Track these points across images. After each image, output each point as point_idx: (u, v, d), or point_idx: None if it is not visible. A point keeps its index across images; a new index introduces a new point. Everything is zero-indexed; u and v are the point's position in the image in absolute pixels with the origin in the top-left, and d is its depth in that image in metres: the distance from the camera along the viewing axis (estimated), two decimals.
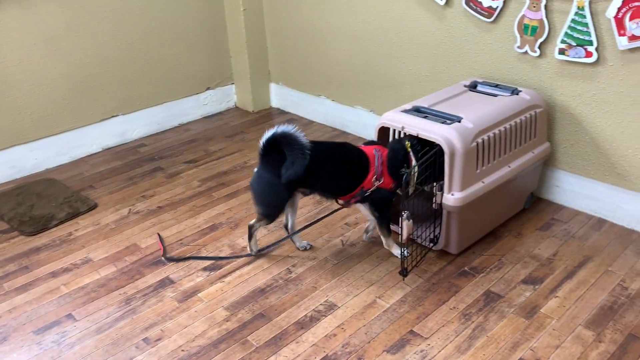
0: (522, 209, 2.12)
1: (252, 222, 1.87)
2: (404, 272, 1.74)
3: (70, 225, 2.18)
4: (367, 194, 1.74)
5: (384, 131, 1.92)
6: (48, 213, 2.23)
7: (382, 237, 1.86)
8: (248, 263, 1.91)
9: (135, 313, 1.71)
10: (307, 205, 2.24)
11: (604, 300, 1.67)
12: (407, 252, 1.74)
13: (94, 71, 2.69)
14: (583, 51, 1.89)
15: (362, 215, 2.15)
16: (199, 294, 1.77)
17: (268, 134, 1.68)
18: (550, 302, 1.67)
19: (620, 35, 1.78)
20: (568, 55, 1.93)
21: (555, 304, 1.66)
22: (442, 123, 1.76)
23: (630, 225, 1.99)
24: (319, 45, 2.83)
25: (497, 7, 2.05)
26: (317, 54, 2.86)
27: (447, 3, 2.22)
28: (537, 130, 1.98)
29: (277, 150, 1.68)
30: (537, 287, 1.74)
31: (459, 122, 1.77)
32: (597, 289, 1.72)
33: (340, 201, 1.83)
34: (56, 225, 2.17)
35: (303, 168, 1.66)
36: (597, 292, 1.71)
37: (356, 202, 1.79)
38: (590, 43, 1.86)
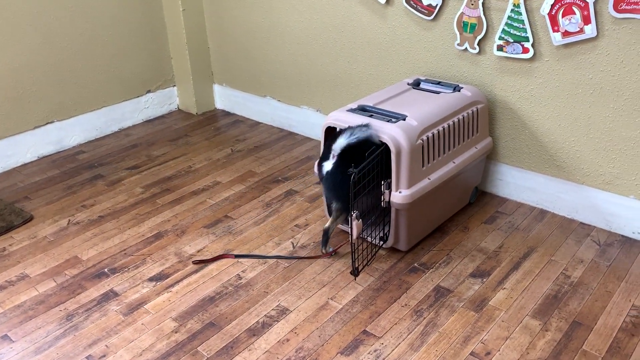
0: (468, 203, 2.16)
1: (327, 225, 1.84)
2: (355, 272, 1.74)
3: (3, 240, 2.06)
4: None
5: (330, 131, 1.91)
6: None
7: None
8: (196, 271, 1.86)
9: (77, 330, 1.63)
10: (255, 209, 2.20)
11: (548, 290, 1.72)
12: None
13: (24, 76, 2.56)
14: (520, 47, 1.94)
15: (312, 217, 2.13)
16: (145, 306, 1.71)
17: (346, 139, 1.70)
18: (498, 294, 1.71)
19: (554, 31, 1.84)
20: (506, 52, 1.97)
21: (503, 296, 1.70)
22: (388, 122, 1.77)
23: (570, 215, 2.06)
24: (263, 45, 2.79)
25: (437, 5, 2.08)
26: (262, 54, 2.82)
27: (387, 2, 2.23)
28: (479, 125, 2.02)
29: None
30: (484, 280, 1.77)
31: (404, 120, 1.78)
32: (542, 278, 1.77)
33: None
34: None
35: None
36: (542, 281, 1.75)
37: None
38: (527, 39, 1.91)
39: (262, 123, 3.00)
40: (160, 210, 2.22)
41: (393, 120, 1.78)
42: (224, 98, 3.15)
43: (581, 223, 2.03)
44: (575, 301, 1.67)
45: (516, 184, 2.16)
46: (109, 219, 2.17)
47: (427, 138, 1.79)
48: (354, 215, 1.64)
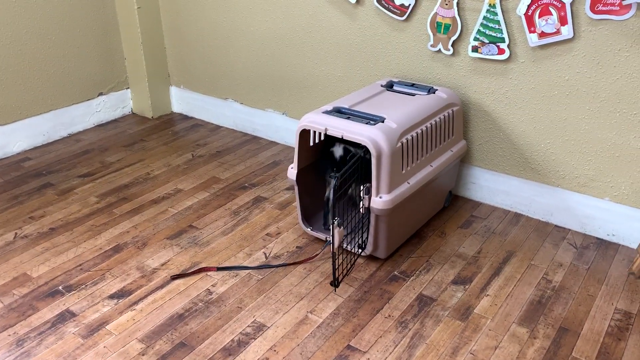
0: (442, 208, 2.11)
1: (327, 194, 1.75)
2: (335, 283, 1.64)
3: None
4: None
5: (303, 134, 1.82)
6: None
7: None
8: (162, 286, 1.72)
9: (30, 356, 1.46)
10: (222, 218, 2.08)
11: (532, 295, 1.68)
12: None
13: None
14: (495, 48, 1.90)
15: (284, 225, 2.03)
16: (107, 326, 1.56)
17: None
18: (483, 302, 1.65)
19: (530, 32, 1.81)
20: (481, 53, 1.93)
21: (487, 303, 1.65)
22: (366, 124, 1.69)
23: (545, 218, 2.04)
24: (225, 45, 2.67)
25: (410, 4, 2.02)
26: (223, 55, 2.70)
27: (358, 2, 2.15)
28: (454, 128, 1.97)
29: None
30: (467, 287, 1.72)
31: (382, 122, 1.71)
32: (524, 284, 1.73)
33: None
34: None
35: None
36: (525, 287, 1.71)
37: None
38: (503, 40, 1.88)
39: (223, 127, 2.87)
40: (118, 220, 2.06)
41: (371, 122, 1.70)
42: (182, 101, 3.00)
43: (556, 226, 2.02)
44: (560, 306, 1.64)
45: (490, 187, 2.12)
46: (62, 231, 1.99)
47: (407, 141, 1.72)
48: (336, 222, 1.55)
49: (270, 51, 2.51)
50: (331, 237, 1.57)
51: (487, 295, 1.68)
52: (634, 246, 1.89)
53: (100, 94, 2.88)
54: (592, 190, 1.91)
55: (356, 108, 1.81)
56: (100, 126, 2.88)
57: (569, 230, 1.99)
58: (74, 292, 1.69)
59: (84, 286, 1.71)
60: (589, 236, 1.96)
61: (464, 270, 1.79)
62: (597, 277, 1.76)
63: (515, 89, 1.93)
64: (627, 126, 1.77)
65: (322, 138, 1.74)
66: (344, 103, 1.85)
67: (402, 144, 1.70)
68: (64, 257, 1.85)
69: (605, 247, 1.90)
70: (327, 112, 1.78)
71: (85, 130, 2.82)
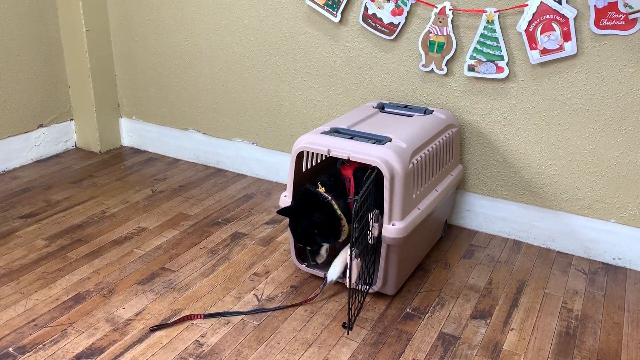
0: (439, 238, 1.97)
1: None
2: (348, 325, 1.43)
3: None
4: None
5: (300, 157, 1.62)
6: None
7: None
8: (140, 340, 1.43)
9: None
10: (199, 257, 1.82)
11: (558, 327, 1.54)
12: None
13: None
14: (494, 67, 1.82)
15: (271, 262, 1.80)
16: None
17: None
18: (509, 336, 1.49)
19: (532, 49, 1.74)
20: (478, 72, 1.84)
21: (514, 338, 1.49)
22: (374, 143, 1.53)
23: (546, 244, 1.94)
24: (185, 72, 2.45)
25: (399, 23, 1.92)
26: (183, 81, 2.47)
27: (341, 21, 2.03)
28: (453, 151, 1.86)
29: None
30: (488, 321, 1.55)
31: (390, 141, 1.55)
32: (546, 314, 1.59)
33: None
34: None
35: None
36: (547, 318, 1.58)
37: None
38: (501, 58, 1.80)
39: (182, 160, 2.61)
40: (75, 265, 1.75)
41: (379, 142, 1.54)
42: (133, 133, 2.72)
43: (558, 252, 1.92)
44: (590, 337, 1.51)
45: (486, 214, 2.01)
46: (5, 281, 1.66)
47: (417, 162, 1.57)
48: (354, 253, 1.35)
49: (240, 76, 2.32)
50: (348, 271, 1.36)
51: (512, 329, 1.53)
52: None
53: (41, 125, 2.55)
54: (596, 213, 1.83)
55: (355, 128, 1.65)
56: (40, 162, 2.54)
57: (572, 255, 1.90)
58: (29, 354, 1.37)
59: (41, 346, 1.39)
60: (594, 261, 1.87)
61: (480, 303, 1.63)
62: (616, 304, 1.65)
63: (514, 109, 1.85)
64: (634, 144, 1.72)
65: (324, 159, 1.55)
66: (340, 124, 1.68)
67: (413, 165, 1.54)
68: (11, 311, 1.52)
69: (613, 272, 1.81)
70: (326, 133, 1.60)
71: (23, 167, 2.48)
